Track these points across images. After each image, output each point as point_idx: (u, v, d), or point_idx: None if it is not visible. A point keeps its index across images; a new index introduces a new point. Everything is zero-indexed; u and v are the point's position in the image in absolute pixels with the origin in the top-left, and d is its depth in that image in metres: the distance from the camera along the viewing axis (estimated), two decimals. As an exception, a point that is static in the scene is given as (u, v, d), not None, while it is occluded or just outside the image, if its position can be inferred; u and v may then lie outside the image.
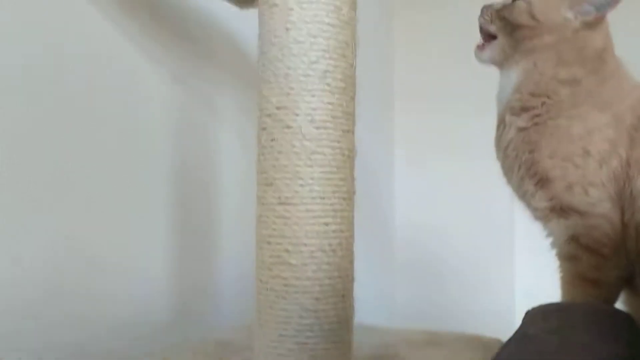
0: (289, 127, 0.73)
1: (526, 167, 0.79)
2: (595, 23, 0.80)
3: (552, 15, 0.80)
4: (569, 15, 0.80)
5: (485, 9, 0.87)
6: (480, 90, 0.95)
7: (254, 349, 0.77)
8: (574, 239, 0.76)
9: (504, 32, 0.83)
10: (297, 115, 0.72)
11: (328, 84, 0.73)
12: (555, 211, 0.78)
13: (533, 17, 0.81)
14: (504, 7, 0.84)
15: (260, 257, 0.75)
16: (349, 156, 0.76)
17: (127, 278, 0.93)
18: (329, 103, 0.73)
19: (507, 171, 0.83)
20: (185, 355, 0.80)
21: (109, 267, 0.89)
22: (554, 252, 0.80)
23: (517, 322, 0.62)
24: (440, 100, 1.73)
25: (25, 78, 0.76)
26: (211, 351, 0.81)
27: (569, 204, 0.76)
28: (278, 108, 0.73)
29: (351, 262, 0.77)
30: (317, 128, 0.73)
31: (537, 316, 0.64)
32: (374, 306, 1.24)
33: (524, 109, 0.81)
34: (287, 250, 0.72)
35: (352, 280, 0.77)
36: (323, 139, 0.73)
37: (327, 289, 0.73)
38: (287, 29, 0.72)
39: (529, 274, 0.88)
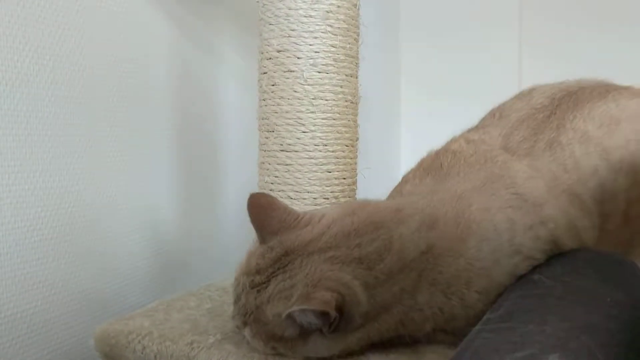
0: (290, 71, 0.70)
1: None
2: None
3: None
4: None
5: None
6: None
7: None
8: None
9: None
10: (298, 58, 0.70)
11: (330, 25, 0.70)
12: None
13: None
14: None
15: (262, 205, 0.75)
16: (352, 102, 0.74)
17: (135, 224, 0.93)
18: (332, 45, 0.71)
19: None
20: (189, 301, 0.80)
21: (117, 215, 0.89)
22: None
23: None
24: (448, 44, 1.68)
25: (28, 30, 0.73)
26: (215, 297, 0.82)
27: None
28: (279, 51, 0.71)
29: (354, 209, 0.76)
30: (319, 72, 0.71)
31: (541, 262, 0.64)
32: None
33: None
34: (289, 197, 0.72)
35: (355, 227, 0.77)
36: (325, 83, 0.71)
37: (330, 236, 0.73)
38: (288, -33, 0.68)
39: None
